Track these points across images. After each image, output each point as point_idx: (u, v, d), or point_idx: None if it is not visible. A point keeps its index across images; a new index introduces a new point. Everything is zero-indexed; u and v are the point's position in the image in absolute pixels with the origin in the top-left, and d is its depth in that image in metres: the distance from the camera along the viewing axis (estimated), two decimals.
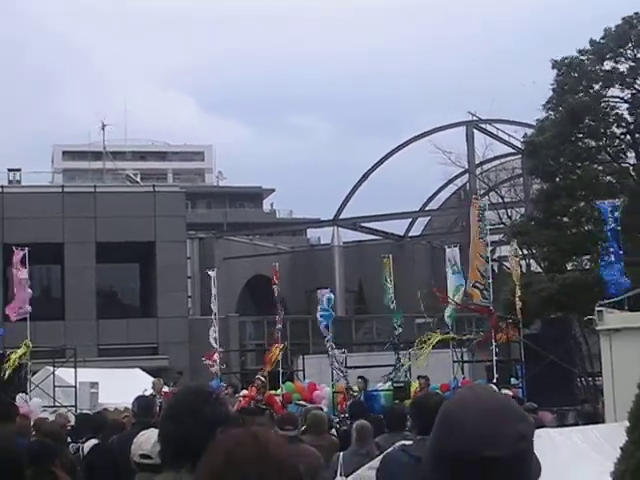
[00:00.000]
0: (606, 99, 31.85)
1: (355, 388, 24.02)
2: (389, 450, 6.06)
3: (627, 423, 5.51)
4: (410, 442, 5.97)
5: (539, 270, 34.42)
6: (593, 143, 31.85)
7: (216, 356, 25.82)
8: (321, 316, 26.11)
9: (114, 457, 9.11)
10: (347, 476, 8.03)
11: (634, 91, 31.71)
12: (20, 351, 22.60)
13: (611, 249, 20.47)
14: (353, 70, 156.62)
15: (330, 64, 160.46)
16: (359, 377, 24.67)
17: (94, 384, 23.40)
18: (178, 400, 3.33)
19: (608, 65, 31.65)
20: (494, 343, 21.86)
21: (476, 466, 2.08)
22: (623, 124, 32.05)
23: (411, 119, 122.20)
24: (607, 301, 13.98)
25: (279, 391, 24.66)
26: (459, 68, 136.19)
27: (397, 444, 6.17)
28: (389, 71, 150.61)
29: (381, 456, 6.39)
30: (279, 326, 26.71)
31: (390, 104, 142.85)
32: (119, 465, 8.72)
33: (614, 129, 32.05)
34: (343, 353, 26.25)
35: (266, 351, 27.48)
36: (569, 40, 45.63)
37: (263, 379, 25.66)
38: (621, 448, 5.29)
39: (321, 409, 18.18)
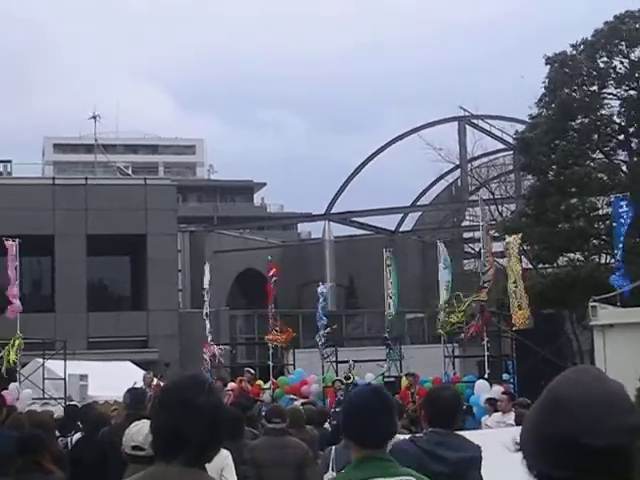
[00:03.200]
0: (598, 96, 31.82)
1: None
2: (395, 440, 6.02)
3: None
4: (420, 434, 5.94)
5: (530, 266, 34.45)
6: (585, 140, 31.83)
7: (215, 349, 25.61)
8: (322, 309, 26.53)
9: (104, 449, 9.02)
10: (339, 470, 7.98)
11: (627, 89, 31.68)
12: (15, 346, 22.62)
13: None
14: (332, 66, 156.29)
15: (308, 61, 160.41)
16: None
17: (84, 376, 23.29)
18: (170, 390, 3.23)
19: (601, 62, 31.61)
20: (486, 338, 21.85)
21: (586, 453, 1.97)
22: (615, 121, 32.03)
23: (403, 114, 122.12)
24: (600, 297, 13.94)
25: (268, 384, 24.56)
26: (449, 62, 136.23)
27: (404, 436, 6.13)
28: (372, 65, 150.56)
29: None
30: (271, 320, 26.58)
31: (376, 99, 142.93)
32: (108, 457, 8.64)
33: (606, 126, 32.04)
34: (333, 347, 26.32)
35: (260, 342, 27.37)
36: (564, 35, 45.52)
37: (252, 372, 25.59)
38: None
39: (314, 404, 18.18)
